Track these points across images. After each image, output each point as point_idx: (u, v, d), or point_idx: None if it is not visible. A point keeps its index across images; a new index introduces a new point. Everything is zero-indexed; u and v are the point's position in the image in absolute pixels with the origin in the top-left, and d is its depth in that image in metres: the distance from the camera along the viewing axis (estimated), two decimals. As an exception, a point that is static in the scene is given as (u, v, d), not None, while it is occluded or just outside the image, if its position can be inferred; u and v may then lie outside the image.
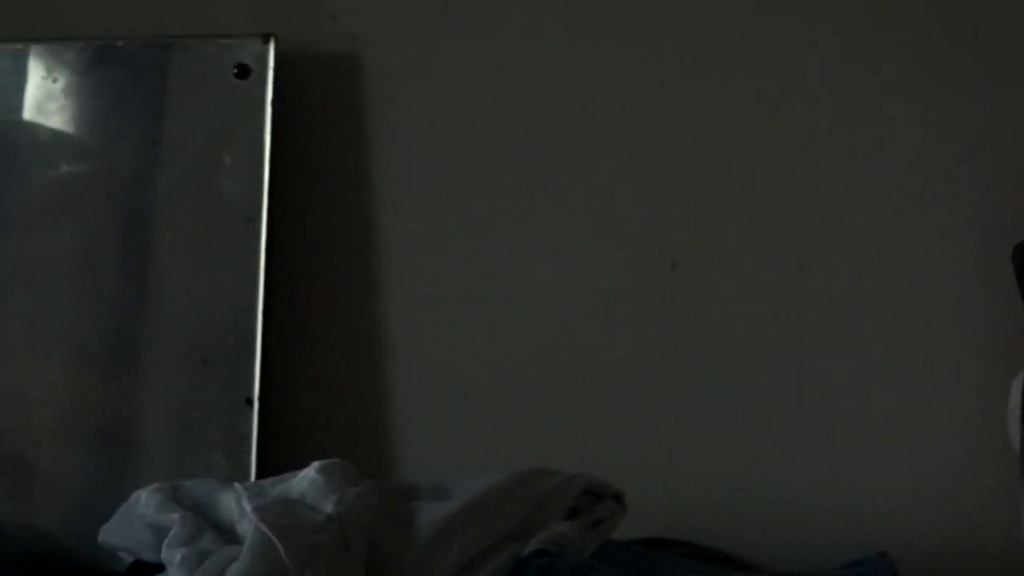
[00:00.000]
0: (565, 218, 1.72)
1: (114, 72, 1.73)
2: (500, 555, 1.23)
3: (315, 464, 1.27)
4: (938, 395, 1.63)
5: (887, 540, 1.51)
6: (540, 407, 1.70)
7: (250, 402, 1.63)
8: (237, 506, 1.24)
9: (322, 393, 1.74)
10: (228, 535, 1.23)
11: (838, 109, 1.68)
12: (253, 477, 1.60)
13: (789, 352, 1.67)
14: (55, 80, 1.73)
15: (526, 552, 1.24)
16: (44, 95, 1.74)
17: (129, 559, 1.36)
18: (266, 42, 1.68)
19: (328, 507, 1.20)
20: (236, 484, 1.29)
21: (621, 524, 1.37)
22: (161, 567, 1.24)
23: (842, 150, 1.68)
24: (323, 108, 1.76)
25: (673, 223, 1.71)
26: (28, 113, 1.74)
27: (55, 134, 1.74)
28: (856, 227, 1.68)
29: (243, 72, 1.68)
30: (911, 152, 1.67)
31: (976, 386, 1.61)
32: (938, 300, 1.64)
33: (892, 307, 1.65)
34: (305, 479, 1.26)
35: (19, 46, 1.75)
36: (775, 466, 1.66)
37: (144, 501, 1.29)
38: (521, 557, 1.23)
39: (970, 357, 1.63)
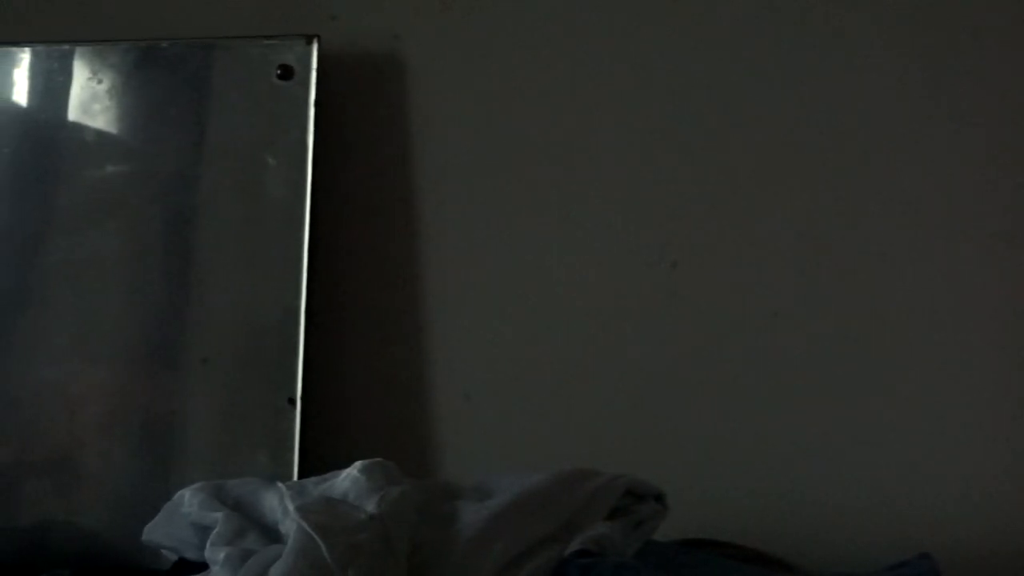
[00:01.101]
0: (605, 218, 1.72)
1: (159, 73, 1.74)
2: (542, 555, 1.23)
3: (357, 463, 1.27)
4: (980, 395, 1.63)
5: (930, 541, 1.50)
6: (581, 407, 1.70)
7: (293, 402, 1.64)
8: (280, 505, 1.24)
9: (364, 393, 1.74)
10: (271, 534, 1.23)
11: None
12: (295, 476, 1.60)
13: (829, 351, 1.68)
14: (100, 81, 1.74)
15: (568, 552, 1.23)
16: (89, 96, 1.75)
17: (173, 557, 1.36)
18: (309, 43, 1.68)
19: (371, 506, 1.20)
20: (279, 483, 1.29)
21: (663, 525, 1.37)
22: (204, 566, 1.24)
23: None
24: (366, 109, 1.76)
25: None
26: (73, 114, 1.75)
27: (100, 135, 1.74)
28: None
29: (287, 73, 1.68)
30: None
31: (1019, 385, 1.60)
32: (962, 297, 1.65)
33: (918, 306, 1.66)
34: (348, 478, 1.26)
35: (65, 47, 1.76)
36: (817, 467, 1.65)
37: (188, 500, 1.30)
38: (563, 557, 1.23)
39: (1010, 355, 1.62)
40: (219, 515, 1.25)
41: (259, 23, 1.74)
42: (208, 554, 1.22)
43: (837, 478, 1.65)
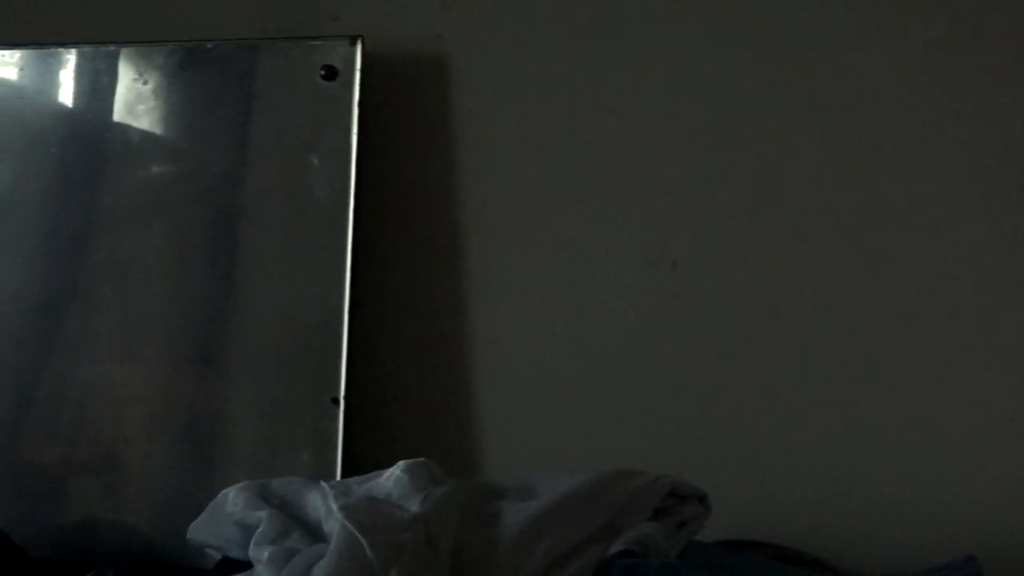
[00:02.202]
0: (648, 220, 1.72)
1: (203, 74, 1.75)
2: (585, 555, 1.23)
3: (401, 463, 1.27)
4: (997, 393, 1.63)
5: (974, 543, 1.50)
6: (622, 407, 1.70)
7: (336, 401, 1.64)
8: (324, 504, 1.24)
9: (407, 393, 1.75)
10: (315, 533, 1.24)
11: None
12: (339, 476, 1.60)
13: (864, 349, 1.68)
14: (145, 82, 1.75)
15: (611, 553, 1.23)
16: (134, 97, 1.75)
17: (217, 556, 1.37)
18: (353, 44, 1.69)
19: (414, 506, 1.20)
20: (322, 483, 1.29)
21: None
22: (248, 564, 1.24)
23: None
24: (409, 109, 1.76)
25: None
26: (118, 115, 1.76)
27: (145, 136, 1.75)
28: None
29: (331, 74, 1.69)
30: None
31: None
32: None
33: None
34: (391, 478, 1.26)
35: (111, 48, 1.77)
36: (861, 467, 1.65)
37: (232, 499, 1.30)
38: (606, 558, 1.23)
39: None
40: (263, 514, 1.26)
41: (303, 24, 1.74)
42: (252, 553, 1.23)
43: (918, 480, 1.64)
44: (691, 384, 1.69)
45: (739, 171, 1.70)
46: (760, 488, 1.67)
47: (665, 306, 1.71)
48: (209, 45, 1.75)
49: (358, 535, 1.14)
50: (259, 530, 1.24)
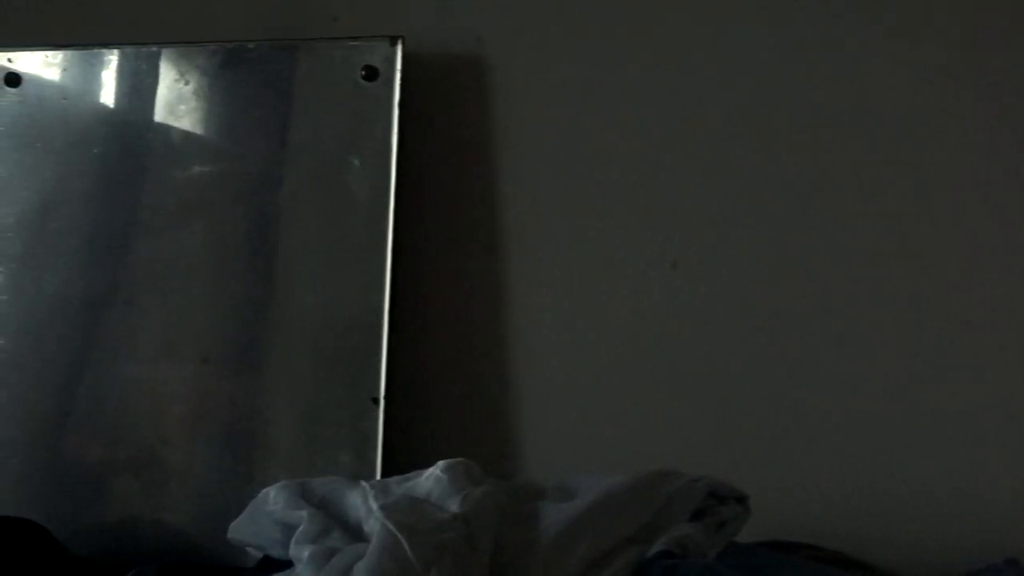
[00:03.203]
0: (692, 224, 1.72)
1: (244, 75, 1.75)
2: (624, 556, 1.23)
3: (440, 463, 1.28)
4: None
5: (1016, 545, 1.49)
6: (660, 408, 1.70)
7: (376, 401, 1.64)
8: (364, 504, 1.24)
9: (447, 393, 1.75)
10: (355, 533, 1.24)
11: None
12: (378, 475, 1.61)
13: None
14: (187, 83, 1.76)
15: (651, 553, 1.23)
16: (175, 97, 1.76)
17: (258, 555, 1.38)
18: (394, 44, 1.69)
19: (454, 506, 1.21)
20: (363, 482, 1.29)
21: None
22: (289, 563, 1.25)
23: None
24: (449, 110, 1.77)
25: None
26: (160, 115, 1.76)
27: (186, 136, 1.76)
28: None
29: (371, 74, 1.69)
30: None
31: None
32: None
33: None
34: (431, 478, 1.26)
35: (152, 49, 1.78)
36: (905, 468, 1.64)
37: (272, 498, 1.31)
38: (646, 558, 1.23)
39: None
40: (303, 513, 1.26)
41: (343, 25, 1.75)
42: (293, 552, 1.23)
43: (961, 482, 1.63)
44: (734, 386, 1.69)
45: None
46: (792, 489, 1.66)
47: (699, 306, 1.71)
48: (250, 46, 1.75)
49: (398, 535, 1.14)
50: (300, 529, 1.25)
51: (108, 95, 1.79)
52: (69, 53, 1.79)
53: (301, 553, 1.22)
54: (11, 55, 1.79)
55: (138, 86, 1.78)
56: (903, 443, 1.65)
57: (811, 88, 1.70)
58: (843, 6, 1.70)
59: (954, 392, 1.64)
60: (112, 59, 1.78)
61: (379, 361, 1.65)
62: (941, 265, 1.66)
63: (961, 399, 1.64)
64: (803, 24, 1.71)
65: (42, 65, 1.79)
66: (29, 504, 1.67)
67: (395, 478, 1.30)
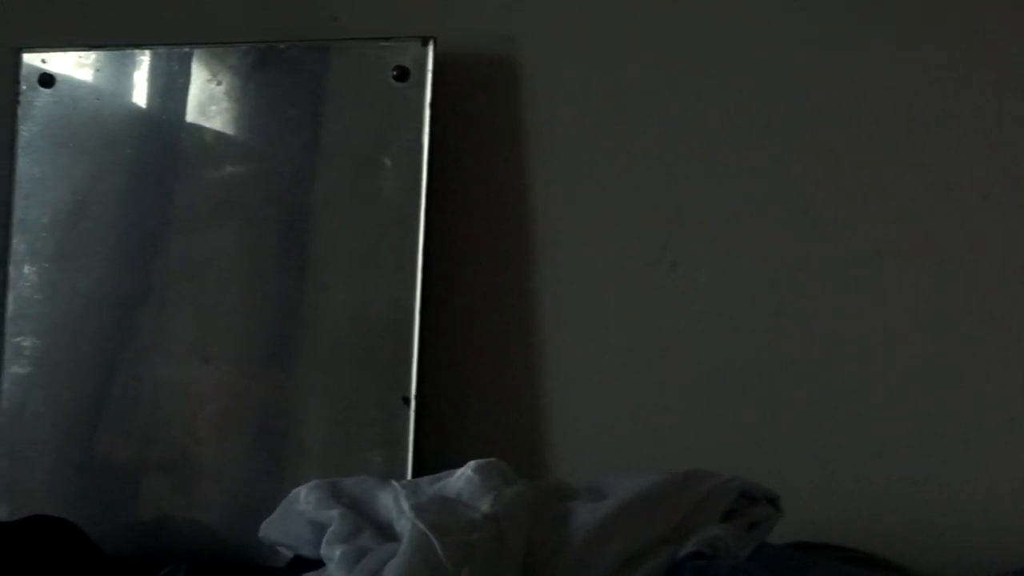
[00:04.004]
0: (721, 220, 1.71)
1: (276, 75, 1.76)
2: (656, 557, 1.23)
3: (471, 463, 1.28)
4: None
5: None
6: (694, 408, 1.70)
7: (407, 401, 1.65)
8: (395, 504, 1.25)
9: (478, 393, 1.75)
10: (386, 532, 1.24)
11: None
12: (409, 475, 1.61)
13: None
14: (219, 83, 1.76)
15: (682, 554, 1.23)
16: (207, 97, 1.77)
17: (289, 554, 1.38)
18: (425, 45, 1.69)
19: (485, 506, 1.21)
20: (394, 482, 1.29)
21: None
22: (320, 563, 1.25)
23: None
24: (481, 110, 1.77)
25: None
26: (192, 115, 1.77)
27: (218, 136, 1.76)
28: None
29: (402, 75, 1.69)
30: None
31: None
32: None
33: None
34: (462, 478, 1.26)
35: (184, 49, 1.78)
36: (943, 468, 1.64)
37: (304, 498, 1.31)
38: (677, 559, 1.23)
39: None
40: (335, 513, 1.26)
41: (375, 25, 1.75)
42: (324, 551, 1.24)
43: (995, 483, 1.63)
44: (764, 387, 1.69)
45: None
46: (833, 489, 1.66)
47: (732, 308, 1.71)
48: (282, 46, 1.76)
49: (429, 534, 1.14)
50: (331, 529, 1.25)
51: (141, 95, 1.80)
52: (102, 54, 1.80)
53: (332, 553, 1.22)
54: (45, 56, 1.80)
55: (170, 86, 1.78)
56: (936, 443, 1.64)
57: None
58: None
59: (987, 391, 1.64)
60: (144, 59, 1.79)
61: (410, 361, 1.65)
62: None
63: (997, 397, 1.63)
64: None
65: (75, 66, 1.80)
66: (62, 502, 1.68)
67: (426, 478, 1.30)
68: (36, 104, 1.79)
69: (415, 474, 1.60)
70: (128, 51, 1.79)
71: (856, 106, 1.68)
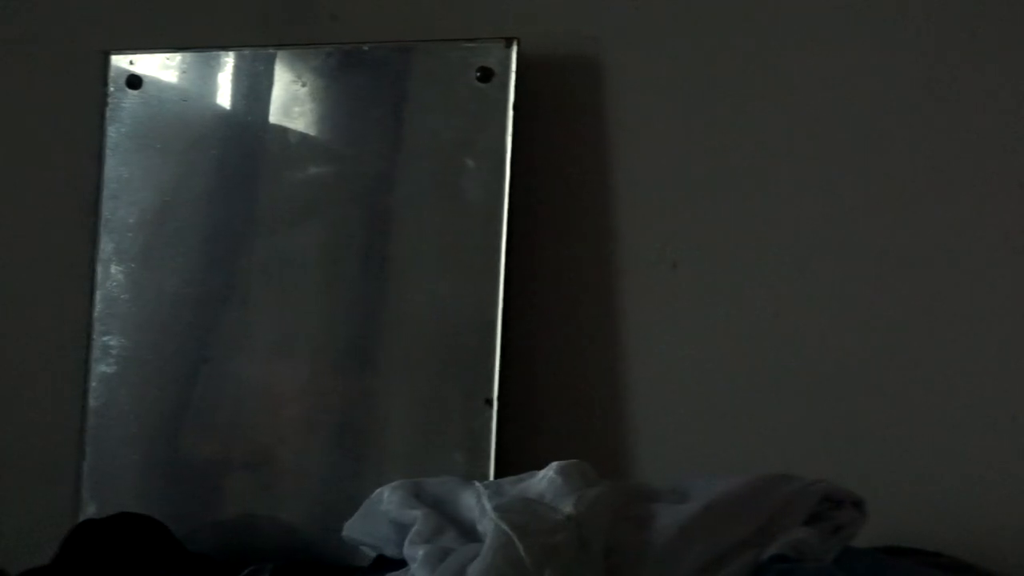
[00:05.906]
0: (812, 224, 1.70)
1: (359, 76, 1.76)
2: (738, 559, 1.23)
3: (554, 464, 1.28)
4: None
5: None
6: (780, 411, 1.69)
7: (489, 402, 1.65)
8: (477, 504, 1.25)
9: (560, 394, 1.75)
10: (469, 533, 1.24)
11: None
12: (491, 476, 1.61)
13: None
14: (303, 84, 1.77)
15: (765, 557, 1.23)
16: (290, 98, 1.78)
17: (372, 554, 1.39)
18: (509, 46, 1.69)
19: (567, 507, 1.20)
20: (476, 483, 1.30)
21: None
22: (403, 563, 1.26)
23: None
24: (564, 111, 1.76)
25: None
26: (275, 117, 1.78)
27: (302, 137, 1.77)
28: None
29: (486, 75, 1.69)
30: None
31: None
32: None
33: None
34: (544, 479, 1.26)
35: (268, 51, 1.79)
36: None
37: (387, 498, 1.31)
38: (760, 562, 1.22)
39: None
40: (418, 513, 1.27)
41: (459, 26, 1.75)
42: (407, 551, 1.24)
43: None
44: (840, 388, 1.68)
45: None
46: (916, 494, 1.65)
47: (821, 306, 1.70)
48: (365, 48, 1.76)
49: (512, 535, 1.14)
50: (414, 529, 1.25)
51: (225, 97, 1.81)
52: (188, 55, 1.81)
53: (415, 553, 1.22)
54: (132, 57, 1.82)
55: (255, 88, 1.80)
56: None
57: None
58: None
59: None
60: (229, 61, 1.80)
61: (492, 362, 1.65)
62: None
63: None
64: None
65: (161, 67, 1.81)
66: (149, 500, 1.70)
67: (509, 479, 1.30)
68: (123, 105, 1.81)
69: (497, 475, 1.61)
70: (213, 52, 1.81)
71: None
